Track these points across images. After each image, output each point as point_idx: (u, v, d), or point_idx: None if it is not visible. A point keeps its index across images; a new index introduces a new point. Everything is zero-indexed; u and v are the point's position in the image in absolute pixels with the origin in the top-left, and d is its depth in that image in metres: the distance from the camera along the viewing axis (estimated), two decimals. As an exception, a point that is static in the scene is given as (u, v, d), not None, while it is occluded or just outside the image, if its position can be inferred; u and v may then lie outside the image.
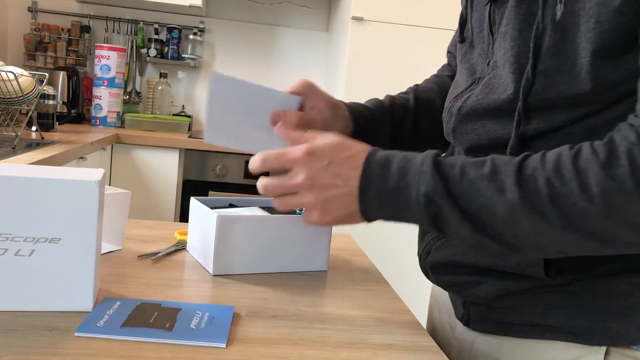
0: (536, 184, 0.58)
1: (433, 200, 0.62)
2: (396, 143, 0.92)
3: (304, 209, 0.74)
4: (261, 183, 0.71)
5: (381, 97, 0.96)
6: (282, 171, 0.69)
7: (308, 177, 0.67)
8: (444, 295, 0.88)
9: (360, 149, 0.67)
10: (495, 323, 0.74)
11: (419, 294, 0.98)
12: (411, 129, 0.93)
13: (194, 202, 0.87)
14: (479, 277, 0.72)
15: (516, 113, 0.65)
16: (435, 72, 1.03)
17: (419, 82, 1.01)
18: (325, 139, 0.68)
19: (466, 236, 0.64)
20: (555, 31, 0.62)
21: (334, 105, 0.85)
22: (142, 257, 0.84)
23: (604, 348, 0.66)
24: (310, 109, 0.82)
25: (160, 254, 0.85)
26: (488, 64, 0.72)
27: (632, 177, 0.54)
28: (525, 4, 0.66)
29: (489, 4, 0.74)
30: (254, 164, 0.71)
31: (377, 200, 0.65)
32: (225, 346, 0.58)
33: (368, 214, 0.67)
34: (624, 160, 0.55)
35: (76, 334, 0.57)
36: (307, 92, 0.82)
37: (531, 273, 0.67)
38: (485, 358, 0.75)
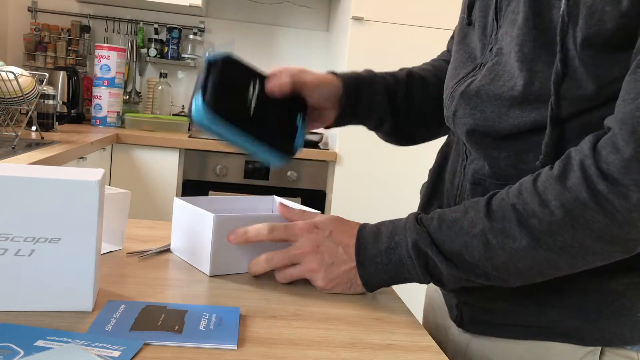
0: (503, 212, 0.63)
1: (421, 250, 0.68)
2: (395, 117, 0.91)
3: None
4: (265, 256, 0.76)
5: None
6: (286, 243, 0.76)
7: (313, 244, 0.74)
8: (438, 296, 0.87)
9: (355, 223, 0.76)
10: (489, 325, 0.73)
11: (419, 294, 0.98)
12: (405, 102, 0.91)
13: (178, 202, 0.85)
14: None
15: (549, 107, 0.63)
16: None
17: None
18: (325, 216, 0.77)
19: (461, 281, 0.68)
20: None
21: (322, 82, 0.85)
22: (131, 254, 0.84)
23: (598, 348, 0.66)
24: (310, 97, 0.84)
25: (149, 253, 0.85)
26: (490, 50, 0.71)
27: (585, 186, 0.57)
28: None
29: None
30: (262, 233, 0.76)
31: (373, 264, 0.71)
32: (236, 348, 0.58)
33: (368, 280, 0.73)
34: (577, 171, 0.58)
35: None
36: (298, 88, 0.81)
37: None
38: None
